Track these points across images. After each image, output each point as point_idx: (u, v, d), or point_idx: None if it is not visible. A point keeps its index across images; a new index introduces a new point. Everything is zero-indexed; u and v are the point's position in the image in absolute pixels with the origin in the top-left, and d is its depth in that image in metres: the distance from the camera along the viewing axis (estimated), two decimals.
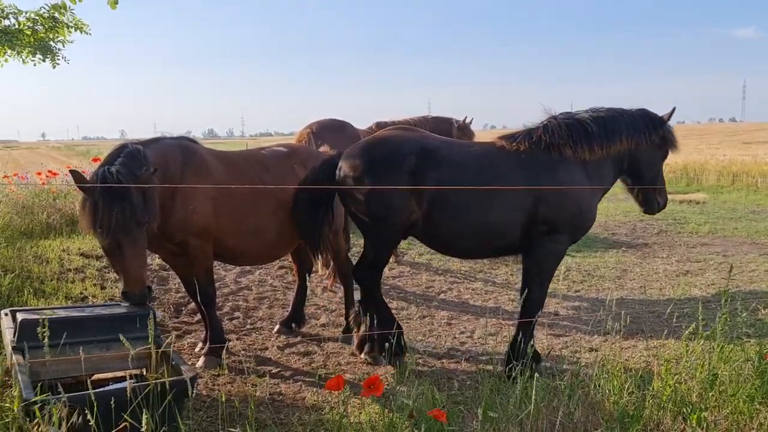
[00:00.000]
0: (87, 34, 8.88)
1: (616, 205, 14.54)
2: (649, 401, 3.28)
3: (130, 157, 4.12)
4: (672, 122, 4.89)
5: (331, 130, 7.80)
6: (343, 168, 4.62)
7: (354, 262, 5.06)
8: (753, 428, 2.97)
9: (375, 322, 4.80)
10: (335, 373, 4.66)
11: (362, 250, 4.85)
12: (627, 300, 7.05)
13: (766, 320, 6.00)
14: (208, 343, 4.92)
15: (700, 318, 3.61)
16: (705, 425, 3.00)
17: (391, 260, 8.37)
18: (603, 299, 7.13)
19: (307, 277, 5.33)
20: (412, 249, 9.08)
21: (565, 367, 4.57)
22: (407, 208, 4.46)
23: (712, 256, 9.46)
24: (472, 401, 3.96)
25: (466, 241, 4.65)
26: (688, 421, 3.10)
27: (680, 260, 9.13)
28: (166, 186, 4.31)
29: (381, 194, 4.44)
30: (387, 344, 4.48)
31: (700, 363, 3.44)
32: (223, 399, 3.70)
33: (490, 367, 4.83)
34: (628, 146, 4.61)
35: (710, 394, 3.24)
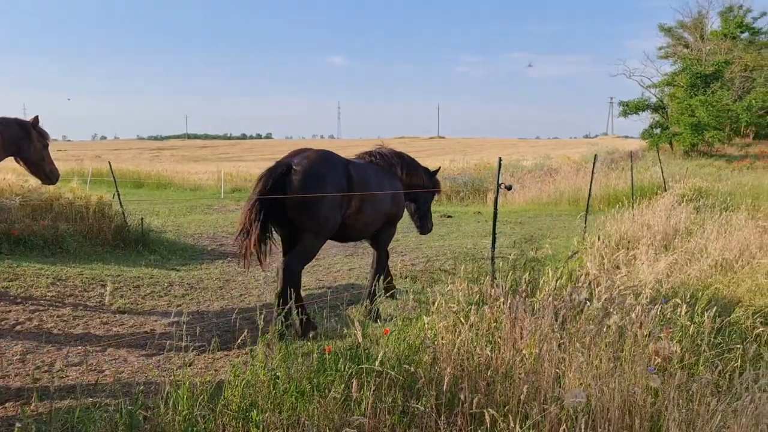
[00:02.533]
0: None
1: (225, 216, 14.88)
2: (219, 410, 3.29)
3: None
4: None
5: None
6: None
7: None
8: (306, 420, 3.20)
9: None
10: None
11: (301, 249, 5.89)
12: (227, 310, 7.17)
13: (347, 315, 6.72)
14: None
15: (259, 320, 3.80)
16: (263, 426, 3.13)
17: None
18: (203, 311, 7.14)
19: None
20: None
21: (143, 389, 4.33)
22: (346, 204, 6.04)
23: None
24: None
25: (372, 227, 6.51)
26: (252, 424, 3.20)
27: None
28: None
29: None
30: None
31: (262, 365, 3.59)
32: None
33: (70, 402, 4.30)
34: (422, 181, 7.29)
35: (273, 393, 3.41)
